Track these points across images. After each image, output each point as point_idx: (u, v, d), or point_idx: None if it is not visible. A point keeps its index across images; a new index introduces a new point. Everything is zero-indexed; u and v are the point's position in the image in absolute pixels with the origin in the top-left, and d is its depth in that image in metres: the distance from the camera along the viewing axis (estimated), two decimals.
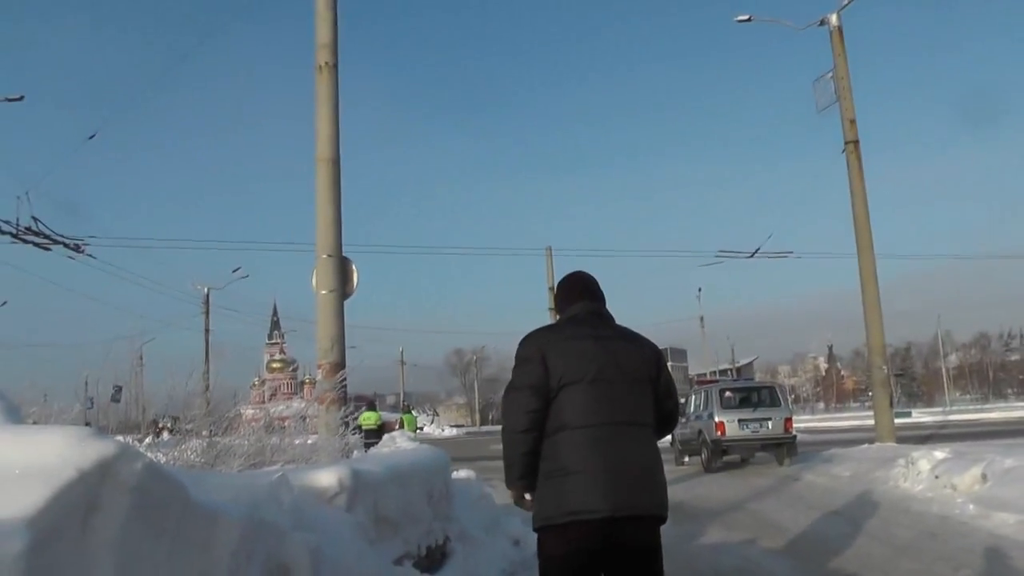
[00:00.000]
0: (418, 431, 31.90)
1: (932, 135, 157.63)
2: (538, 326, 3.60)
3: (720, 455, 17.17)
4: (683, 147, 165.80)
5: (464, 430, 77.93)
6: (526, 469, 3.35)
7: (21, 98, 21.61)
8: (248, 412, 10.10)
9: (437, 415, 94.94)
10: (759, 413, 17.34)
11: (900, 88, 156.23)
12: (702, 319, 65.62)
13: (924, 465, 12.24)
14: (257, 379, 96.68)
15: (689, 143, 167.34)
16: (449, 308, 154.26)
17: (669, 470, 14.77)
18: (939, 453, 12.57)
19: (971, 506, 9.66)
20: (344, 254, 11.10)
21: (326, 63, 11.24)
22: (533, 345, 3.43)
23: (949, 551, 7.52)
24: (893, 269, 74.31)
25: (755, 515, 10.43)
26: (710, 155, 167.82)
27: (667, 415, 3.70)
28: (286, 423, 9.90)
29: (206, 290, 43.47)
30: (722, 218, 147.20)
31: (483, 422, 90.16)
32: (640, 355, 3.54)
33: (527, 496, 3.40)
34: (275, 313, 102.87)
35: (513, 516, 9.65)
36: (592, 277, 3.82)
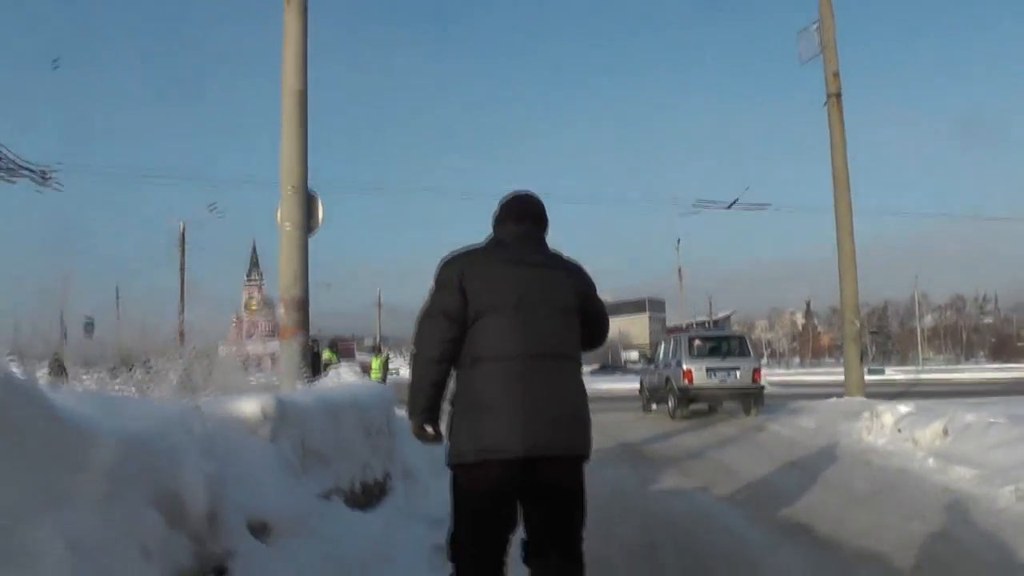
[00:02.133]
0: (392, 373, 31.79)
1: (920, 95, 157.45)
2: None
3: (687, 403, 17.09)
4: (667, 96, 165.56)
5: None
6: (431, 401, 3.20)
7: None
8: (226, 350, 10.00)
9: None
10: (727, 362, 17.24)
11: (888, 45, 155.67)
12: (680, 270, 65.49)
13: (888, 419, 12.21)
14: (235, 317, 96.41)
15: (672, 92, 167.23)
16: (430, 251, 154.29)
17: (637, 417, 14.80)
18: (903, 407, 12.54)
19: (930, 460, 9.62)
20: (311, 189, 10.90)
21: None
22: (453, 269, 3.22)
23: (903, 503, 7.47)
24: (874, 227, 74.72)
25: (715, 463, 10.36)
26: (693, 105, 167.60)
27: (594, 342, 3.53)
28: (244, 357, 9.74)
29: (182, 226, 42.96)
30: (705, 172, 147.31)
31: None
32: (568, 282, 3.33)
33: (428, 428, 3.24)
34: (254, 252, 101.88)
35: None
36: (532, 198, 3.55)
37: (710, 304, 74.47)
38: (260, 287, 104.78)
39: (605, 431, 8.62)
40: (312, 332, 11.20)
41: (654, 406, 19.18)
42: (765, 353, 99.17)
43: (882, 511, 7.17)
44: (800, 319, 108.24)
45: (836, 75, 20.29)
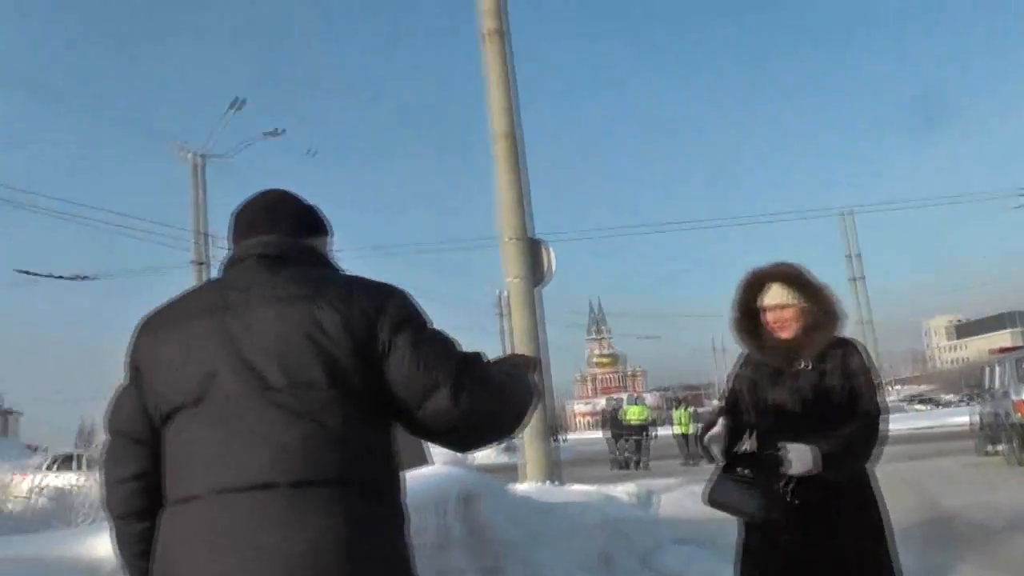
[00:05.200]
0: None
1: None
2: None
3: None
4: None
5: None
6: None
7: None
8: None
9: None
10: None
11: None
12: None
13: None
14: (579, 375, 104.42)
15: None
16: None
17: (965, 463, 11.40)
18: None
19: None
20: (537, 236, 10.38)
21: (493, 29, 10.40)
22: (131, 342, 1.82)
23: None
24: None
25: None
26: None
27: (442, 429, 1.73)
28: None
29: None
30: None
31: None
32: (303, 327, 1.66)
33: None
34: (593, 310, 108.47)
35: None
36: (271, 193, 1.97)
37: None
38: (608, 343, 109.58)
39: (911, 487, 6.25)
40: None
41: (999, 448, 14.71)
42: None
43: None
44: None
45: None
